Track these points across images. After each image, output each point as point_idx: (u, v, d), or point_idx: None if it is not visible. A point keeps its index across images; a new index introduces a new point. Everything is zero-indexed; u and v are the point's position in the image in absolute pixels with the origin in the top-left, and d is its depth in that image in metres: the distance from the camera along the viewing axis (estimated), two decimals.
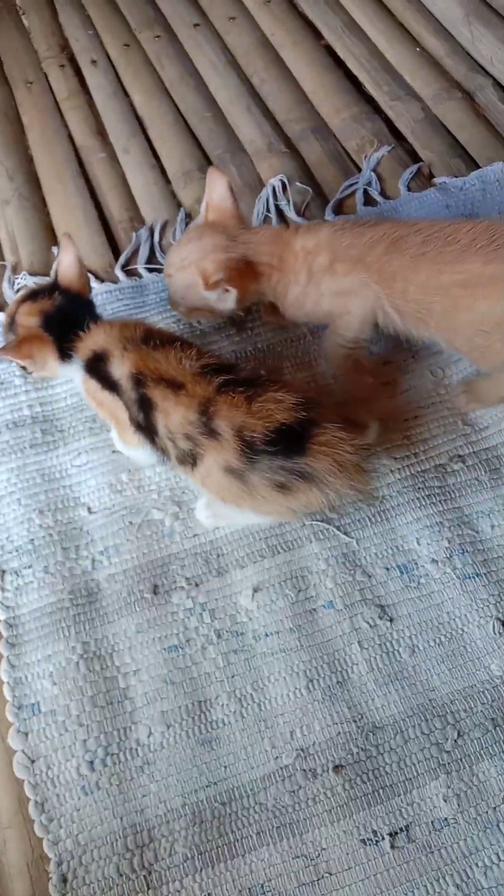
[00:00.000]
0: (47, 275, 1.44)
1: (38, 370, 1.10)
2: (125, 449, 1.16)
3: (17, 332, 1.09)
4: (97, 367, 1.06)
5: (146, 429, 1.03)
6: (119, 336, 1.05)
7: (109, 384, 1.05)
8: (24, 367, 1.11)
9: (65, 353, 1.07)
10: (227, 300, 1.15)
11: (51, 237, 1.53)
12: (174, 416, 0.99)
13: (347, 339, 1.18)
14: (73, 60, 1.88)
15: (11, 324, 1.11)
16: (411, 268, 1.07)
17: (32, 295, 1.11)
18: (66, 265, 1.11)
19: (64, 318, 1.08)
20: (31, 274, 1.44)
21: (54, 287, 1.10)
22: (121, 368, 1.03)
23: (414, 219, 1.20)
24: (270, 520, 1.13)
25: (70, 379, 1.16)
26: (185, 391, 0.98)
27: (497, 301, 1.04)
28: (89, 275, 1.36)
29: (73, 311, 1.08)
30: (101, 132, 1.72)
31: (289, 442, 0.96)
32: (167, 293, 1.33)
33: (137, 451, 1.11)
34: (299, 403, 0.97)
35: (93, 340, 1.06)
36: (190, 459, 1.01)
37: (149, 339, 1.04)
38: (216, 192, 1.19)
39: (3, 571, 1.13)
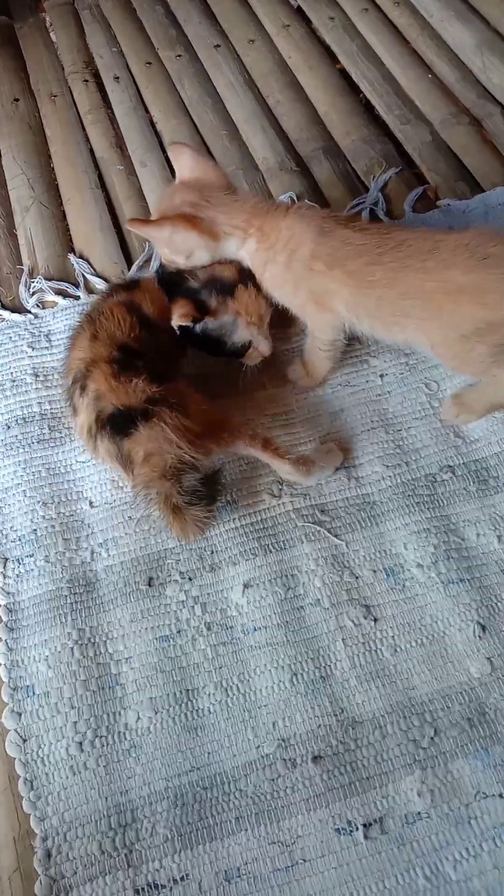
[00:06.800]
0: (63, 279, 1.51)
1: None
2: None
3: None
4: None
5: None
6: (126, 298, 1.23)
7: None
8: None
9: None
10: (190, 244, 1.19)
11: (67, 244, 1.59)
12: (76, 353, 1.17)
13: (325, 342, 1.24)
14: (96, 76, 1.96)
15: None
16: (394, 277, 1.13)
17: None
18: None
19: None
20: (47, 278, 1.50)
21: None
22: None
23: (402, 228, 1.25)
24: None
25: None
26: (94, 342, 1.15)
27: (478, 307, 1.09)
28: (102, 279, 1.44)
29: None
30: (120, 145, 1.78)
31: (122, 424, 1.09)
32: None
33: None
34: (153, 394, 1.09)
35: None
36: (71, 408, 1.18)
37: (134, 306, 1.21)
38: (184, 165, 1.23)
39: (6, 559, 1.18)
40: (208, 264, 1.23)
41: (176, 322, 1.18)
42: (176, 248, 1.21)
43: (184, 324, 1.18)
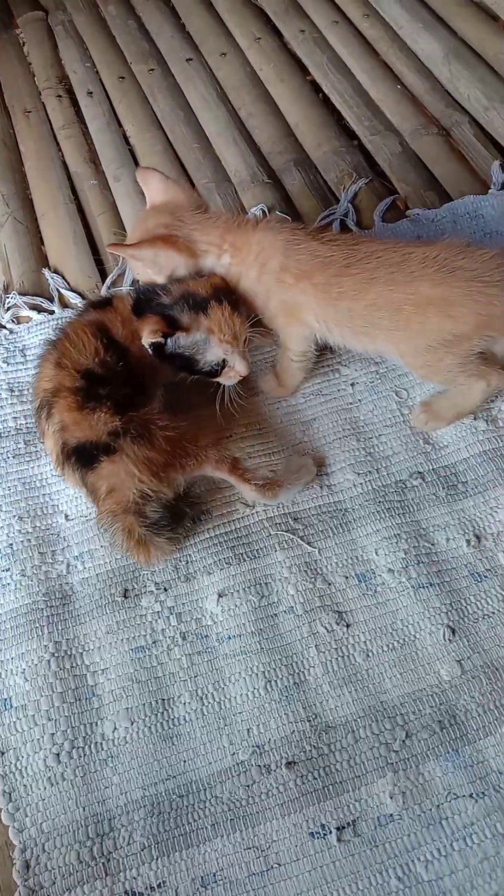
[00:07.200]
0: (37, 295, 1.52)
1: None
2: None
3: None
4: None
5: None
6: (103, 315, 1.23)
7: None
8: None
9: None
10: (172, 263, 1.22)
11: (42, 259, 1.61)
12: (41, 383, 1.18)
13: (297, 353, 1.26)
14: (70, 91, 1.98)
15: None
16: (362, 289, 1.15)
17: None
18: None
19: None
20: (21, 294, 1.52)
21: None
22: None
23: (371, 239, 1.27)
24: None
25: None
26: (59, 369, 1.15)
27: (445, 319, 1.12)
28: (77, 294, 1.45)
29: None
30: (93, 160, 1.80)
31: (86, 458, 1.10)
32: None
33: None
34: (115, 427, 1.09)
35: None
36: (39, 431, 1.21)
37: (102, 328, 1.20)
38: (153, 189, 1.26)
39: None
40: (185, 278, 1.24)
41: (146, 340, 1.15)
42: (158, 269, 1.22)
43: (154, 340, 1.15)
